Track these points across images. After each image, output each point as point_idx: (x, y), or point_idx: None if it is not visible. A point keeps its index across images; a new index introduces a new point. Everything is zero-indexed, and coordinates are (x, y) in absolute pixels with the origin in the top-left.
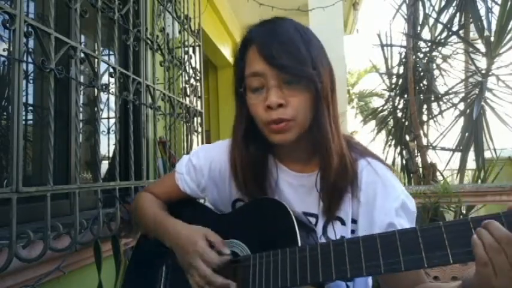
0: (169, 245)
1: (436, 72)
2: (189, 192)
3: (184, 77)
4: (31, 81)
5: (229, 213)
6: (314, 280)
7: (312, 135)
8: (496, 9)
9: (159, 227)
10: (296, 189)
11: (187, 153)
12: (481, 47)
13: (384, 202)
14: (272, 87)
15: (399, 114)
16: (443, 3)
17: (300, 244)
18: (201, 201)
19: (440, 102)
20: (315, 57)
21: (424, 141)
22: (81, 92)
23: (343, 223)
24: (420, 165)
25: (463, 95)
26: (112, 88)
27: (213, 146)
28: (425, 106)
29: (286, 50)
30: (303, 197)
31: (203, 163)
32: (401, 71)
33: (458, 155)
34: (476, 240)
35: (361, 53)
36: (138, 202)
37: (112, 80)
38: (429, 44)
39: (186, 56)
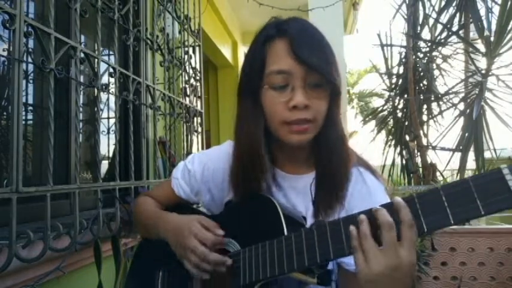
0: (165, 236)
1: (436, 72)
2: (183, 197)
3: (184, 77)
4: (31, 81)
5: (220, 213)
6: (300, 265)
7: (325, 138)
8: (496, 9)
9: (156, 220)
10: (285, 191)
11: (187, 153)
12: (481, 47)
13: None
14: (298, 87)
15: (399, 114)
16: (443, 3)
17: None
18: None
19: (440, 102)
20: (337, 64)
21: (424, 141)
22: (81, 92)
23: None
24: (420, 165)
25: (463, 95)
26: (112, 88)
27: (208, 151)
28: (425, 106)
29: (318, 50)
30: (290, 198)
31: (197, 168)
32: (401, 71)
33: (458, 155)
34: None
35: (361, 53)
36: (138, 204)
37: (112, 80)
38: (429, 44)
39: (186, 56)
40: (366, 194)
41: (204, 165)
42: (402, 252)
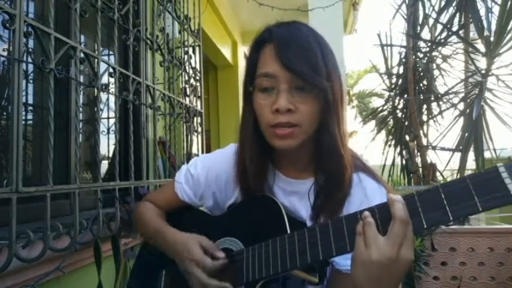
0: (167, 253)
1: (436, 72)
2: (187, 201)
3: (184, 77)
4: (31, 81)
5: (224, 213)
6: (303, 262)
7: (318, 144)
8: (496, 9)
9: (157, 235)
10: (288, 195)
11: (187, 153)
12: (481, 47)
13: None
14: (283, 91)
15: (399, 114)
16: (443, 3)
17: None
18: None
19: (440, 102)
20: (330, 68)
21: (424, 141)
22: (81, 92)
23: None
24: (420, 165)
25: (462, 95)
26: (112, 88)
27: (211, 154)
28: (425, 106)
29: (303, 56)
30: (292, 203)
31: (200, 172)
32: (401, 71)
33: (458, 155)
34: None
35: (361, 53)
36: (139, 211)
37: (112, 80)
38: (429, 44)
39: (186, 56)
40: (364, 200)
41: (207, 169)
42: (404, 248)
